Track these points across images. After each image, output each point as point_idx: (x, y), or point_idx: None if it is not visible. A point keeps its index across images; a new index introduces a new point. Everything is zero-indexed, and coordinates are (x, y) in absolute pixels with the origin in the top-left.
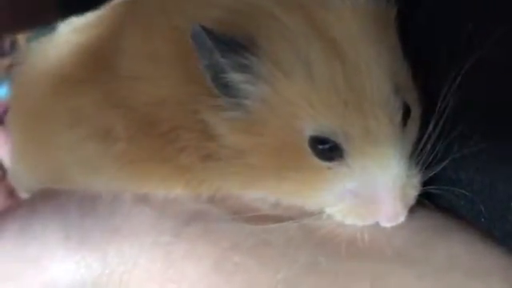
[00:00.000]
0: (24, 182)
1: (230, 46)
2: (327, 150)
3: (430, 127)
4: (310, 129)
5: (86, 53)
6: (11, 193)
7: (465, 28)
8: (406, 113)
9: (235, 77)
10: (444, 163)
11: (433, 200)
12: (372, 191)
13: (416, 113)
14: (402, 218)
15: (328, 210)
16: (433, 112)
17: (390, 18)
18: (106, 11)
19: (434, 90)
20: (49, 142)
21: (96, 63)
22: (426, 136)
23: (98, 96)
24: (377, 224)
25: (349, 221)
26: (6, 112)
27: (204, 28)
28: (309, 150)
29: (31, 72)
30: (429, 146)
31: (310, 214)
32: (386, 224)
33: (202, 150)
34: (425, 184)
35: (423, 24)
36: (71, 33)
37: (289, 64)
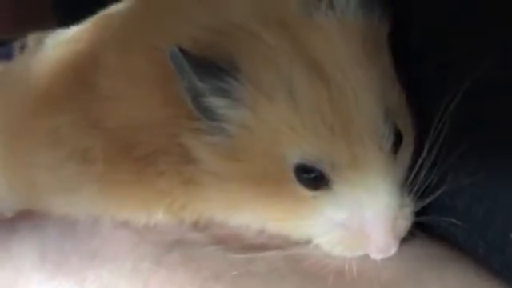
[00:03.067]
0: (5, 201)
1: (208, 70)
2: (312, 178)
3: (424, 153)
4: (294, 156)
5: (66, 69)
6: None
7: (460, 50)
8: (398, 139)
9: (214, 101)
10: (439, 192)
11: (428, 227)
12: (361, 223)
13: (409, 139)
14: (393, 250)
15: (315, 240)
16: (427, 137)
17: (382, 36)
18: (87, 25)
19: (429, 114)
20: (27, 161)
21: (75, 80)
22: (419, 163)
23: (77, 115)
24: (366, 255)
25: (337, 252)
26: None
27: (182, 50)
28: (293, 178)
29: (11, 86)
30: (423, 174)
31: (296, 243)
32: (376, 256)
33: (182, 174)
34: (419, 211)
35: (417, 44)
36: (53, 47)
37: (271, 87)
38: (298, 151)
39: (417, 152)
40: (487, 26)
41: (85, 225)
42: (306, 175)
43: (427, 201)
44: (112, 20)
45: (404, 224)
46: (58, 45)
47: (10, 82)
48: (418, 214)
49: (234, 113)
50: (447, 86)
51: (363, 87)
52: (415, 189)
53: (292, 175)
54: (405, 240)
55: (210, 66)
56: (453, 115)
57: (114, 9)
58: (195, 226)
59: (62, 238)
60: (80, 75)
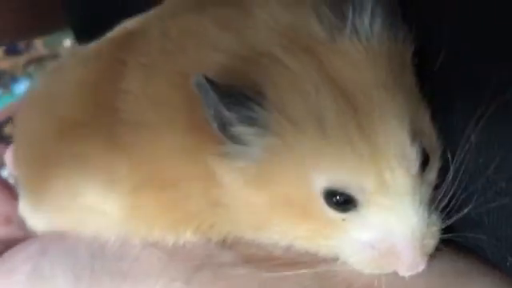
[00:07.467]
0: (32, 221)
1: (235, 99)
2: (341, 202)
3: (451, 173)
4: (322, 181)
5: (86, 92)
6: (20, 224)
7: (487, 67)
8: (424, 159)
9: (242, 130)
10: (466, 210)
11: (454, 240)
12: (389, 244)
13: (435, 157)
14: (421, 268)
15: (344, 259)
16: (454, 152)
17: (406, 57)
18: (105, 44)
19: (455, 129)
20: (54, 186)
21: (97, 104)
22: (446, 182)
23: (101, 140)
24: (394, 271)
25: (366, 270)
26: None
27: (208, 79)
28: (322, 201)
29: (34, 108)
30: (449, 192)
31: (324, 260)
32: (405, 273)
33: (209, 197)
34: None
35: (442, 62)
36: (72, 67)
37: (298, 115)
38: (327, 177)
39: (443, 169)
40: None
41: (114, 246)
42: (334, 199)
43: (454, 218)
44: (130, 40)
45: (431, 243)
46: (77, 65)
47: (33, 105)
48: (444, 229)
49: (260, 140)
50: (475, 104)
51: (390, 112)
52: (442, 205)
53: (320, 199)
54: (432, 255)
55: (237, 95)
56: (480, 134)
57: (130, 24)
58: (223, 244)
59: (93, 259)
60: (102, 98)
